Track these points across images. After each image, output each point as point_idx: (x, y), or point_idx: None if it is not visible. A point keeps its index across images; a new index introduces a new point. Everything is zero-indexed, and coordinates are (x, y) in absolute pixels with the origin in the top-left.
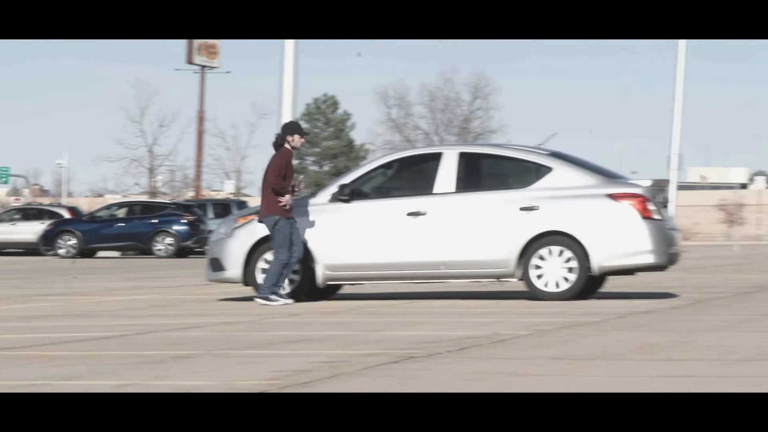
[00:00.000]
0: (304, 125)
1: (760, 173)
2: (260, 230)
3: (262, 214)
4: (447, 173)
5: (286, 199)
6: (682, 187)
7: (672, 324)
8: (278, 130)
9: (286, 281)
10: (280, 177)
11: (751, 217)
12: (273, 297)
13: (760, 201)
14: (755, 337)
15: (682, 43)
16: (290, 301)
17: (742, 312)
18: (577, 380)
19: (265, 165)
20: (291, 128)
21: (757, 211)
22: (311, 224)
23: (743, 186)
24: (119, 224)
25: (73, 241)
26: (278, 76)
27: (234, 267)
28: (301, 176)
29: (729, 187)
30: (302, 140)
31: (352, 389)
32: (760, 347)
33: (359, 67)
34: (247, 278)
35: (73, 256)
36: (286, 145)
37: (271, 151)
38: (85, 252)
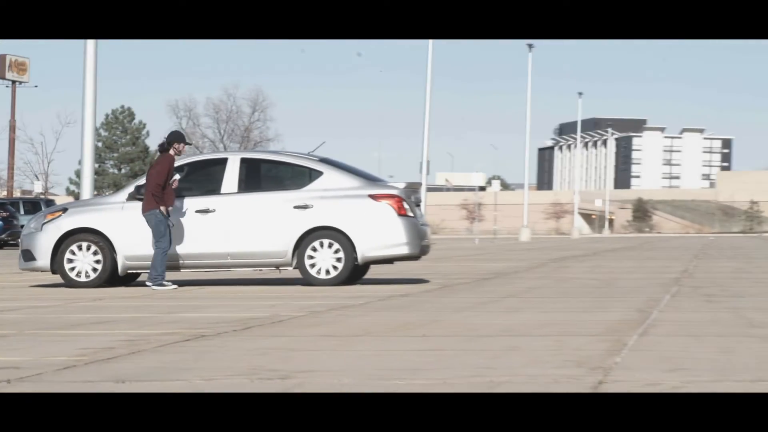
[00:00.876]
0: (103, 133)
1: (495, 177)
2: (66, 225)
3: (144, 209)
4: (231, 176)
5: (164, 210)
6: (431, 188)
7: (424, 305)
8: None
9: (95, 266)
10: (161, 185)
11: (488, 215)
12: (166, 283)
13: (496, 201)
14: (494, 316)
15: (429, 65)
16: (175, 286)
17: (483, 295)
18: (344, 354)
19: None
20: (174, 136)
21: (494, 210)
22: (112, 220)
23: (482, 188)
24: None
25: None
26: (81, 89)
27: (43, 257)
28: (177, 175)
29: (470, 189)
30: (184, 147)
31: (151, 364)
32: (498, 325)
33: (153, 83)
34: (55, 267)
35: None
36: (171, 151)
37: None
38: None
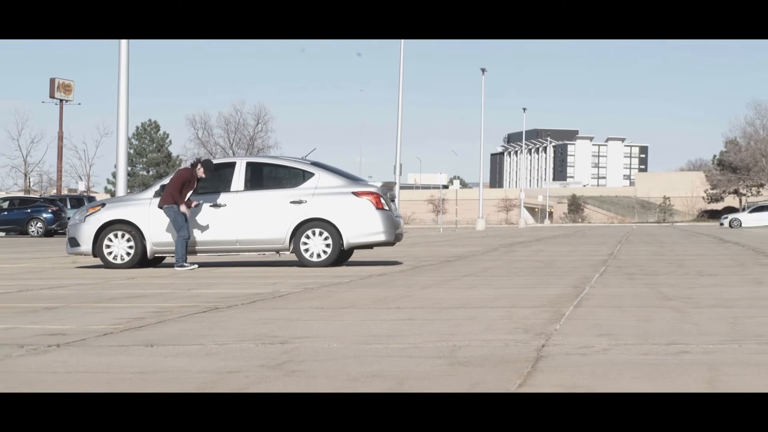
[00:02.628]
0: (134, 142)
1: (456, 178)
2: (104, 217)
3: (160, 203)
4: (239, 177)
5: (183, 208)
6: (403, 187)
7: (398, 283)
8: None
9: (128, 251)
10: (178, 190)
11: (451, 209)
12: (186, 264)
13: (456, 197)
14: (456, 291)
15: (401, 84)
16: (195, 266)
17: (446, 274)
18: (333, 323)
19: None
20: (204, 162)
21: (455, 204)
22: (142, 213)
23: (445, 186)
24: (3, 213)
25: None
26: (116, 106)
27: (86, 244)
28: (194, 203)
29: (435, 187)
30: (203, 175)
31: (174, 331)
32: (459, 299)
33: (174, 101)
34: (95, 251)
35: None
36: (199, 170)
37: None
38: None
